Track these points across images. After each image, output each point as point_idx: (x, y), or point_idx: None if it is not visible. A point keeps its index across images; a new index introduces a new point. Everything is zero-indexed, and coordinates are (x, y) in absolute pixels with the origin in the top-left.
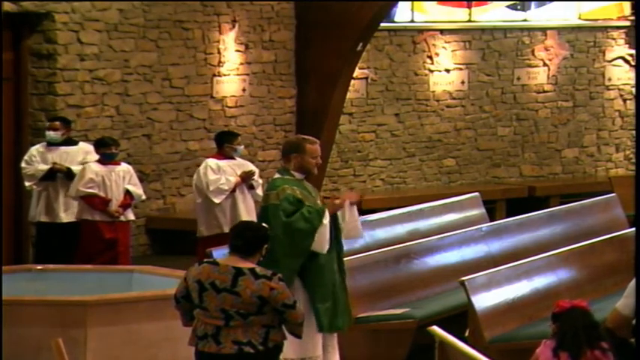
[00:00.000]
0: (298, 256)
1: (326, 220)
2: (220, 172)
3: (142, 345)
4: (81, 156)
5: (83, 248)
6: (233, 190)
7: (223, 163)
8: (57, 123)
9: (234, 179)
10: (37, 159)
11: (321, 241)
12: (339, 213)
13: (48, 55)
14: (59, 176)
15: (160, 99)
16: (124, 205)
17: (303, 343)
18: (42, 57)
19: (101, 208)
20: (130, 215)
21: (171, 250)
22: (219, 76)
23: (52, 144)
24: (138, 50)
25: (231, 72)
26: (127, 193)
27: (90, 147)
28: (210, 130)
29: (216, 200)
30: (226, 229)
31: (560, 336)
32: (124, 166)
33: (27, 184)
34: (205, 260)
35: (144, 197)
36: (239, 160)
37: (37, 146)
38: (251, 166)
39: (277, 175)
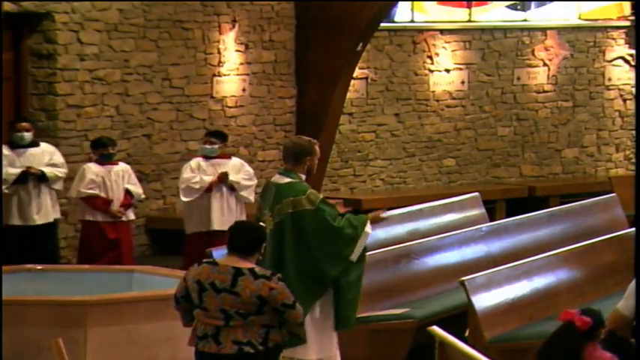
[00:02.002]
0: (340, 261)
1: (369, 229)
2: (199, 172)
3: (142, 345)
4: (47, 157)
5: (86, 249)
6: (209, 190)
7: (206, 162)
8: (27, 124)
9: (209, 178)
10: (4, 162)
11: (359, 249)
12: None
13: (48, 55)
14: (31, 179)
15: (160, 99)
16: (125, 205)
17: (323, 344)
18: (42, 57)
19: (103, 209)
20: (131, 215)
21: (171, 250)
22: (219, 76)
23: (17, 146)
24: (138, 50)
25: (231, 72)
26: (127, 192)
27: (52, 147)
28: (210, 130)
29: (184, 199)
30: (202, 228)
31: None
32: (123, 166)
33: None
34: (205, 260)
35: (143, 196)
36: (235, 160)
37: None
38: (236, 165)
39: (287, 179)
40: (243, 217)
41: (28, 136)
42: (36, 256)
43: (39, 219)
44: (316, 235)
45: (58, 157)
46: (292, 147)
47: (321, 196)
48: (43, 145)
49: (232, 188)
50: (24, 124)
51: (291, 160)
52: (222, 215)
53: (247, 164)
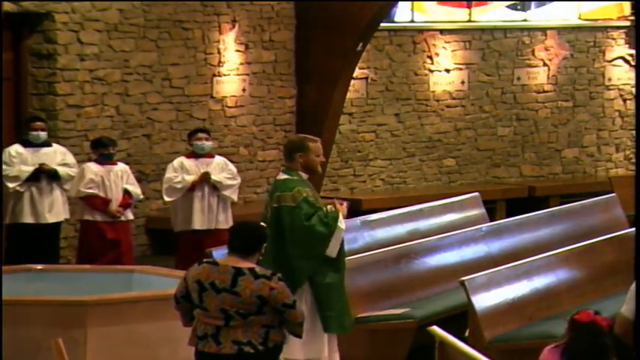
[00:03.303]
0: (313, 259)
1: (342, 224)
2: (182, 171)
3: (142, 345)
4: (59, 157)
5: (85, 249)
6: (192, 189)
7: (190, 161)
8: (42, 123)
9: (191, 178)
10: (17, 160)
11: (335, 245)
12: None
13: (48, 55)
14: (44, 177)
15: (160, 99)
16: (124, 205)
17: (310, 345)
18: (42, 57)
19: (102, 209)
20: (130, 215)
21: (171, 250)
22: (219, 76)
23: (30, 145)
24: (138, 50)
25: (231, 72)
26: (126, 192)
27: (64, 148)
28: (210, 130)
29: (167, 198)
30: (187, 227)
31: (568, 346)
32: (122, 166)
33: (10, 185)
34: (205, 260)
35: (142, 196)
36: (218, 158)
37: (14, 147)
38: (219, 164)
39: (285, 176)
40: (228, 216)
41: (43, 135)
42: (38, 255)
43: (50, 217)
44: (291, 232)
45: (70, 158)
46: (286, 144)
47: (305, 195)
48: (55, 145)
49: (215, 187)
50: (39, 123)
51: (285, 157)
52: (204, 215)
53: (231, 163)
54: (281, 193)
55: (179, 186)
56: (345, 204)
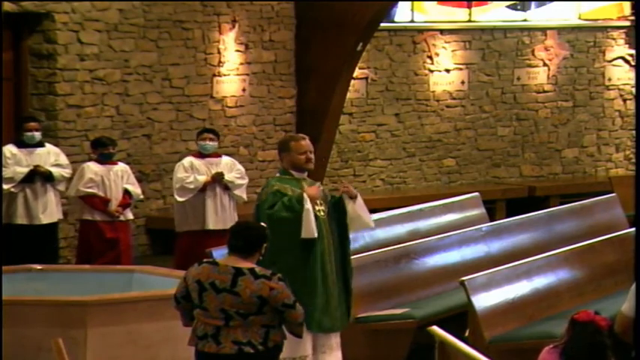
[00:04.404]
0: (292, 249)
1: (307, 205)
2: (193, 171)
3: (142, 345)
4: (52, 157)
5: (85, 248)
6: (203, 189)
7: (199, 161)
8: (36, 123)
9: (203, 178)
10: (11, 161)
11: (308, 227)
12: (348, 207)
13: (48, 55)
14: (38, 178)
15: (160, 99)
16: (124, 205)
17: (290, 342)
18: (42, 57)
19: (101, 208)
20: (129, 215)
21: (171, 250)
22: (219, 76)
23: (24, 145)
24: (138, 50)
25: (231, 72)
26: (126, 192)
27: (57, 148)
28: (203, 128)
29: (179, 198)
30: (196, 227)
31: (566, 345)
32: (122, 166)
33: (5, 187)
34: (205, 260)
35: (142, 196)
36: (226, 158)
37: (8, 147)
38: (228, 164)
39: (277, 175)
40: (236, 216)
41: (38, 135)
42: (38, 255)
43: (44, 218)
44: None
45: (64, 158)
46: None
47: (276, 189)
48: (48, 145)
49: (226, 187)
50: (33, 123)
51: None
52: (217, 214)
53: (238, 163)
54: (261, 191)
55: (191, 186)
56: (318, 184)
